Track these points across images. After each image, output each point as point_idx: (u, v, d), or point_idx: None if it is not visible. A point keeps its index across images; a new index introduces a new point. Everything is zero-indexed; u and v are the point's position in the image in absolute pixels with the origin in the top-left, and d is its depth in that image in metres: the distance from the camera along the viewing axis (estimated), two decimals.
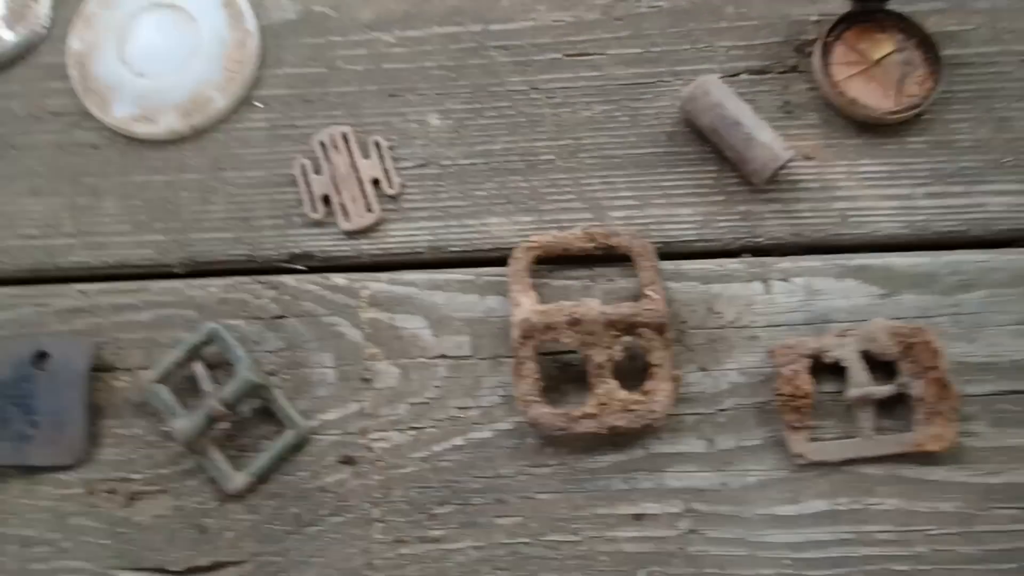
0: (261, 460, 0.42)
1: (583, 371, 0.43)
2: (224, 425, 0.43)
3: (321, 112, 0.49)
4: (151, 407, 0.43)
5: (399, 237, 0.46)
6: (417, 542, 0.42)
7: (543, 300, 0.44)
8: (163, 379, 0.43)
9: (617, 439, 0.42)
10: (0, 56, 0.50)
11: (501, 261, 0.45)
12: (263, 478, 0.42)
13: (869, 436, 0.41)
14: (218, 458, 0.42)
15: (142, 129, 0.48)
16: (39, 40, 0.51)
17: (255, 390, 0.42)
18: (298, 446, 0.43)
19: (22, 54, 0.50)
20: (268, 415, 0.44)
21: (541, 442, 0.43)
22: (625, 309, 0.41)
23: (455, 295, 0.45)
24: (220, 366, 0.44)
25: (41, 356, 0.45)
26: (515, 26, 0.50)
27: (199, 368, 0.43)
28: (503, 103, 0.48)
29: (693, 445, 0.42)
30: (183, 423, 0.41)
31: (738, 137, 0.44)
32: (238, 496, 0.42)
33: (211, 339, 0.43)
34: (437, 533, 0.42)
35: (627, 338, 0.41)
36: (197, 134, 0.48)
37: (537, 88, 0.48)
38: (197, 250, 0.47)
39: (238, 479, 0.42)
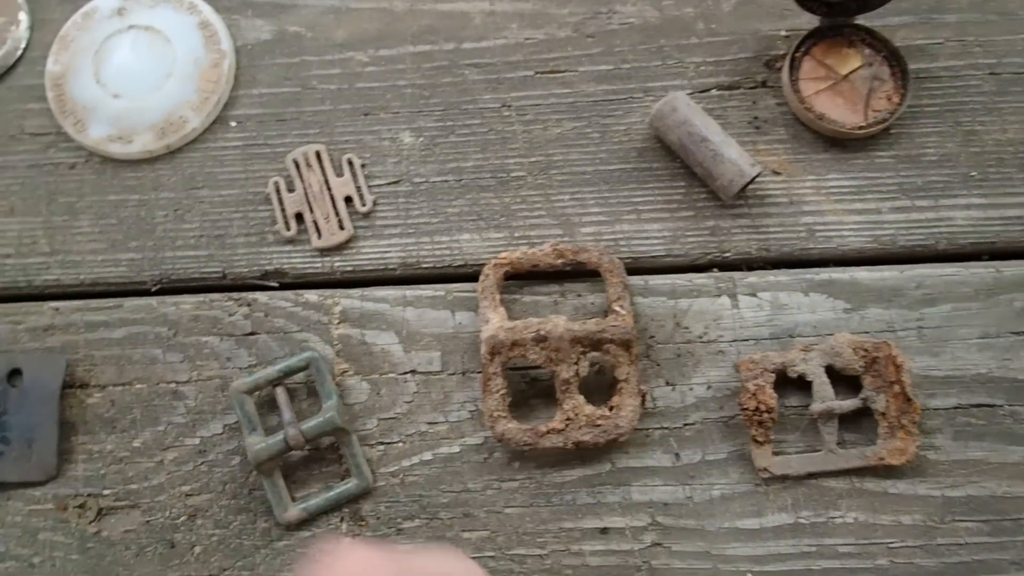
0: (319, 500, 0.43)
1: (550, 386, 0.44)
2: (297, 454, 0.44)
3: (295, 131, 0.50)
4: (238, 413, 0.44)
5: (371, 254, 0.48)
6: None
7: (513, 316, 0.45)
8: (250, 392, 0.44)
9: (584, 454, 0.44)
10: None
11: (472, 277, 0.47)
12: (313, 517, 0.43)
13: (832, 450, 0.43)
14: (280, 485, 0.43)
15: (118, 149, 0.49)
16: (17, 62, 0.52)
17: (335, 432, 0.43)
18: (357, 497, 0.44)
19: (1, 76, 0.52)
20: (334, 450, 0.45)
21: (509, 457, 0.44)
22: (591, 326, 0.42)
23: (426, 311, 0.47)
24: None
25: (14, 373, 0.46)
26: (487, 44, 0.51)
27: (282, 394, 0.44)
28: (475, 120, 0.50)
29: (659, 459, 0.44)
30: (260, 444, 0.42)
31: (705, 153, 0.45)
32: (285, 527, 0.43)
33: (307, 366, 0.44)
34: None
35: (594, 354, 0.43)
36: (172, 153, 0.50)
37: (509, 105, 0.50)
38: (170, 268, 0.48)
39: (293, 511, 0.43)
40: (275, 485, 0.43)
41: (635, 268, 0.47)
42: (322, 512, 0.43)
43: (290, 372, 0.44)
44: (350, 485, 0.43)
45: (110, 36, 0.51)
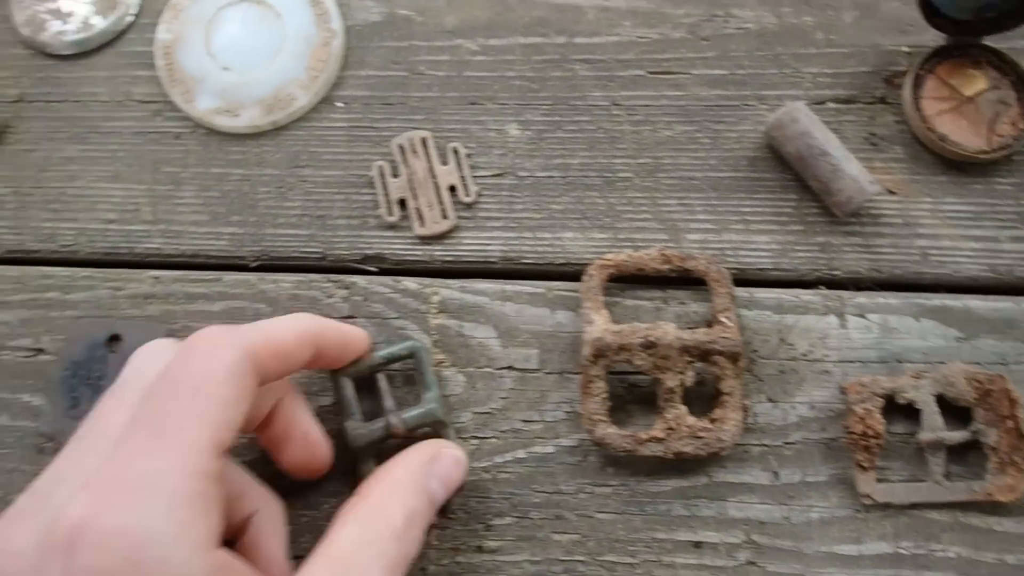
0: None
1: (649, 393, 0.44)
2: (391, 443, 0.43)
3: (401, 116, 0.50)
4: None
5: (472, 245, 0.48)
6: (473, 551, 0.43)
7: (614, 319, 0.45)
8: (352, 376, 0.43)
9: (681, 465, 0.43)
10: (89, 41, 0.52)
11: (573, 276, 0.46)
12: None
13: (938, 481, 0.42)
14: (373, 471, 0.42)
15: (224, 122, 0.49)
16: (127, 28, 0.53)
17: (434, 423, 0.43)
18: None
19: (110, 40, 0.52)
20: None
21: (603, 461, 0.44)
22: (701, 335, 0.42)
23: (525, 307, 0.46)
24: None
25: (114, 338, 0.47)
26: (599, 40, 0.51)
27: (383, 381, 0.43)
28: (583, 117, 0.49)
29: (757, 476, 0.43)
30: (360, 429, 0.42)
31: (824, 168, 0.44)
32: None
33: (411, 355, 0.44)
34: (494, 544, 0.43)
35: (700, 364, 0.42)
36: (277, 130, 0.50)
37: (618, 104, 0.49)
38: (271, 245, 0.48)
39: None
40: (369, 471, 0.43)
41: (740, 279, 0.46)
42: None
43: (393, 360, 0.44)
44: None
45: (222, 7, 0.51)
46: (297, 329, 0.36)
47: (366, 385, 0.44)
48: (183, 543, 0.27)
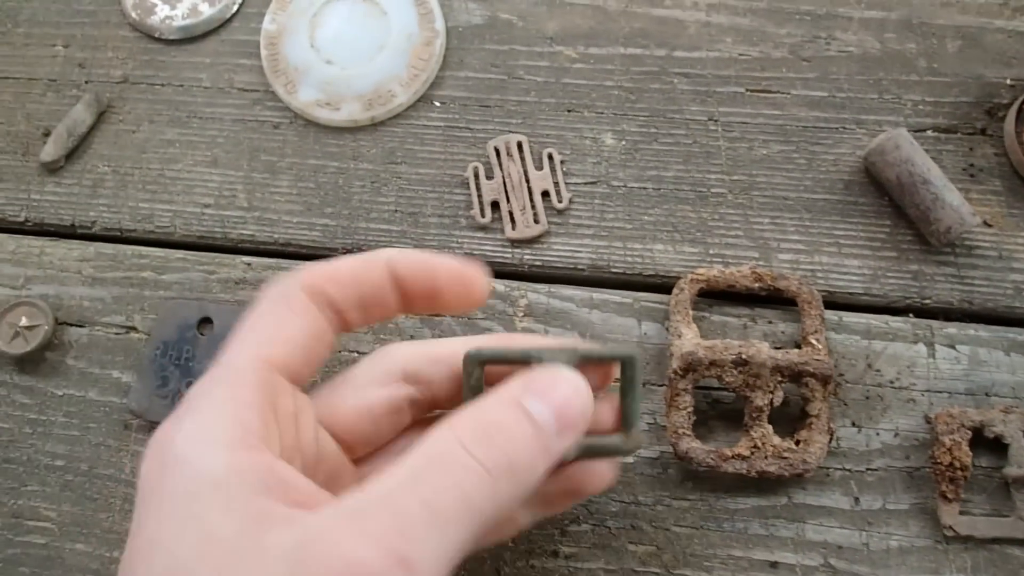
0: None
1: (732, 409, 0.44)
2: None
3: (497, 118, 0.51)
4: None
5: (562, 251, 0.48)
6: (548, 556, 0.44)
7: (701, 334, 0.45)
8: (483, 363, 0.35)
9: (761, 484, 0.44)
10: (195, 28, 0.54)
11: (661, 288, 0.47)
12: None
13: (1022, 518, 0.42)
14: None
15: (324, 114, 0.50)
16: (233, 16, 0.54)
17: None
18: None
19: (216, 28, 0.54)
20: None
21: (683, 475, 0.44)
22: (794, 356, 0.42)
23: (611, 316, 0.47)
24: None
25: (204, 321, 0.48)
26: (699, 55, 0.51)
27: None
28: (679, 131, 0.50)
29: (838, 500, 0.43)
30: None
31: (925, 196, 0.44)
32: None
33: (623, 360, 0.35)
34: (569, 550, 0.44)
35: (789, 385, 0.43)
36: (375, 125, 0.51)
37: (715, 120, 0.50)
38: (363, 239, 0.49)
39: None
40: None
41: (830, 302, 0.46)
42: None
43: (593, 359, 0.34)
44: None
45: (328, 1, 0.53)
46: (364, 256, 0.34)
47: None
48: (201, 442, 0.28)
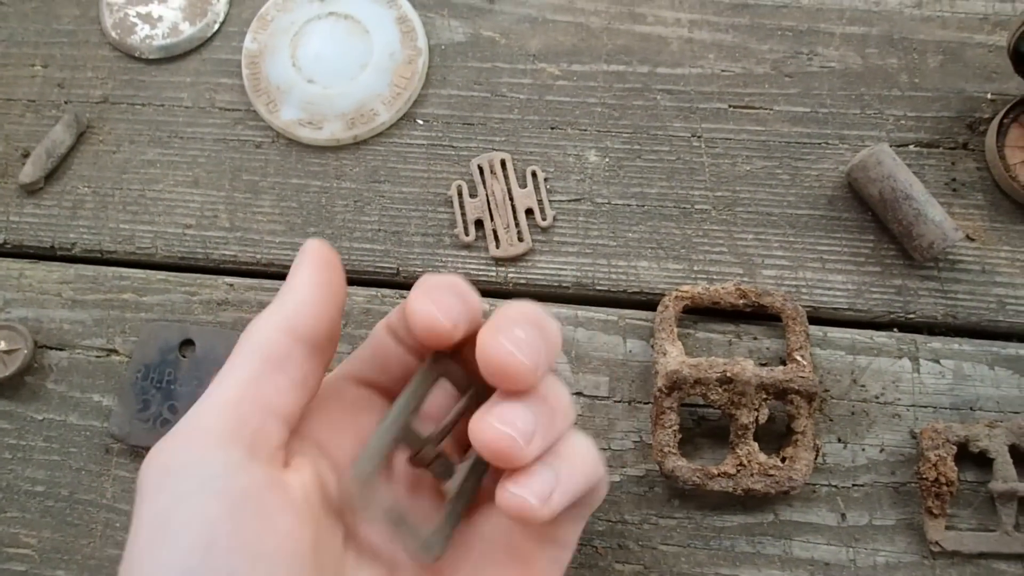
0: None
1: (718, 427, 0.45)
2: None
3: (480, 136, 0.52)
4: None
5: (546, 269, 0.49)
6: None
7: (686, 350, 0.46)
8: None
9: (747, 501, 0.44)
10: (175, 47, 0.54)
11: (646, 305, 0.47)
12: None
13: (1008, 532, 0.42)
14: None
15: (306, 133, 0.51)
16: (214, 35, 0.54)
17: None
18: None
19: (197, 47, 0.54)
20: None
21: (669, 493, 0.45)
22: (779, 374, 0.43)
23: (596, 334, 0.47)
24: None
25: (186, 343, 0.48)
26: (682, 71, 0.52)
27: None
28: (663, 147, 0.51)
29: (824, 517, 0.44)
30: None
31: (908, 211, 0.45)
32: None
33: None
34: None
35: (774, 402, 0.43)
36: (357, 144, 0.52)
37: (699, 136, 0.51)
38: (346, 258, 0.50)
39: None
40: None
41: (814, 317, 0.47)
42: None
43: (426, 385, 0.34)
44: None
45: (309, 20, 0.53)
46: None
47: None
48: (197, 443, 0.29)
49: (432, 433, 0.33)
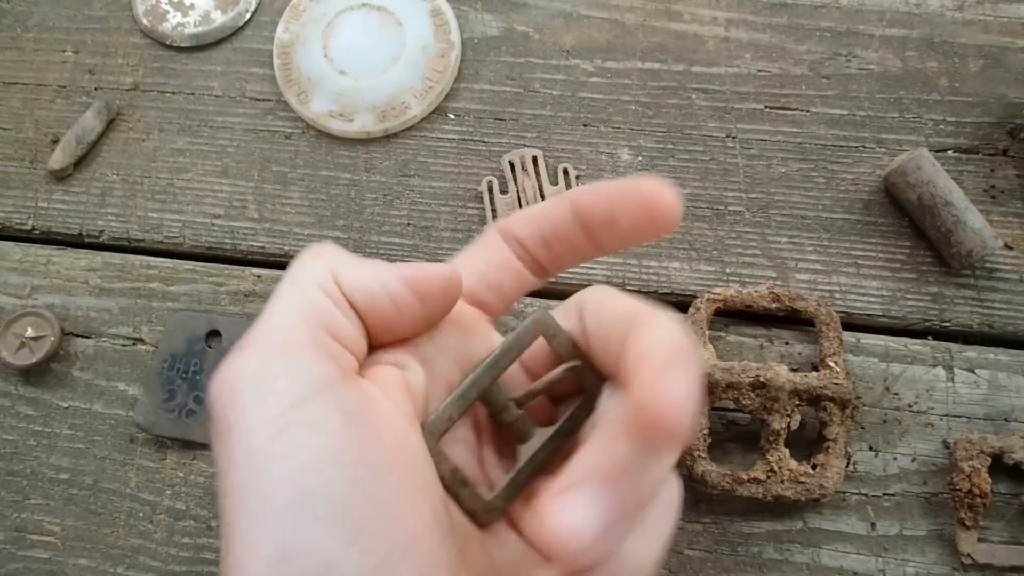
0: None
1: (748, 431, 0.45)
2: None
3: (512, 132, 0.52)
4: None
5: (576, 268, 0.49)
6: None
7: (718, 354, 0.46)
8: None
9: (776, 508, 0.44)
10: (207, 35, 0.54)
11: (677, 306, 0.48)
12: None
13: None
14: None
15: (337, 125, 0.51)
16: (246, 24, 0.55)
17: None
18: None
19: (228, 36, 0.55)
20: None
21: (696, 497, 0.45)
22: (813, 380, 0.43)
23: None
24: None
25: (212, 334, 0.49)
26: (718, 71, 0.52)
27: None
28: (697, 147, 0.51)
29: (854, 526, 0.44)
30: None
31: (947, 218, 0.45)
32: None
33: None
34: None
35: (807, 408, 0.43)
36: (388, 137, 0.52)
37: (734, 137, 0.51)
38: (375, 252, 0.50)
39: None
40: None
41: (848, 323, 0.47)
42: None
43: (521, 348, 0.32)
44: None
45: (342, 11, 0.53)
46: (555, 197, 0.32)
47: None
48: (251, 359, 0.26)
49: (518, 396, 0.31)
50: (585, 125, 0.51)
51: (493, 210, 0.50)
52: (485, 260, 0.32)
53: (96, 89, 0.55)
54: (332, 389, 0.25)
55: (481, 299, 0.32)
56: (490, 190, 0.50)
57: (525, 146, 0.51)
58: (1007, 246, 0.47)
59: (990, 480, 0.42)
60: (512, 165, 0.50)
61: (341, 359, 0.27)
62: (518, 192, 0.50)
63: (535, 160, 0.50)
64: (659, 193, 0.29)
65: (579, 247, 0.32)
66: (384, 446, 0.25)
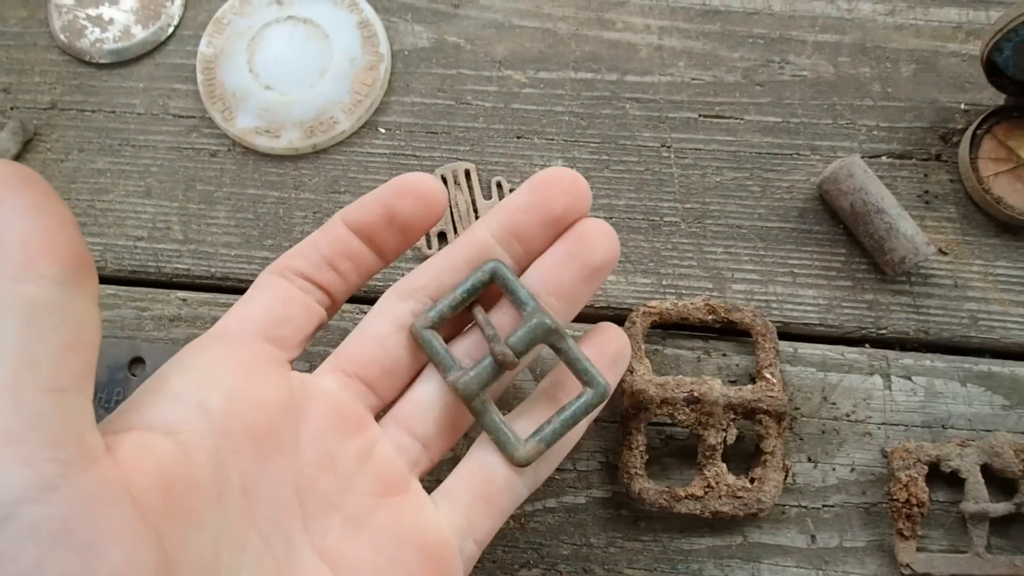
0: (554, 424, 0.35)
1: (686, 446, 0.45)
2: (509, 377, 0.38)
3: (444, 145, 0.51)
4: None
5: None
6: None
7: (654, 367, 0.46)
8: (435, 326, 0.36)
9: (715, 523, 0.44)
10: (127, 51, 0.53)
11: (614, 320, 0.47)
12: (550, 445, 0.36)
13: (979, 554, 0.43)
14: (501, 419, 0.36)
15: (263, 142, 0.51)
16: (168, 39, 0.54)
17: (547, 336, 0.35)
18: (595, 406, 0.36)
19: (150, 51, 0.54)
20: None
21: (636, 515, 0.45)
22: (747, 393, 0.43)
23: None
24: None
25: (136, 361, 0.48)
26: (651, 79, 0.52)
27: (480, 312, 0.36)
28: (632, 157, 0.51)
29: (793, 539, 0.44)
30: (465, 376, 0.35)
31: (879, 225, 0.46)
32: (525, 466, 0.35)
33: (491, 279, 0.36)
34: None
35: (743, 421, 0.43)
36: (316, 153, 0.51)
37: (668, 146, 0.51)
38: None
39: (527, 446, 0.35)
40: (494, 420, 0.36)
41: (785, 333, 0.47)
42: (560, 438, 0.36)
43: (475, 290, 0.36)
44: (586, 396, 0.36)
45: (267, 24, 0.53)
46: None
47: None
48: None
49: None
50: (518, 137, 0.51)
51: None
52: (267, 301, 0.34)
53: (12, 108, 0.54)
54: (34, 503, 0.21)
55: (275, 337, 0.34)
56: None
57: (458, 159, 0.51)
58: (941, 252, 0.48)
59: (927, 489, 0.43)
60: (444, 179, 0.50)
61: (81, 441, 0.23)
62: (450, 207, 0.49)
63: (468, 174, 0.50)
64: (422, 179, 0.34)
65: (363, 259, 0.35)
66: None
